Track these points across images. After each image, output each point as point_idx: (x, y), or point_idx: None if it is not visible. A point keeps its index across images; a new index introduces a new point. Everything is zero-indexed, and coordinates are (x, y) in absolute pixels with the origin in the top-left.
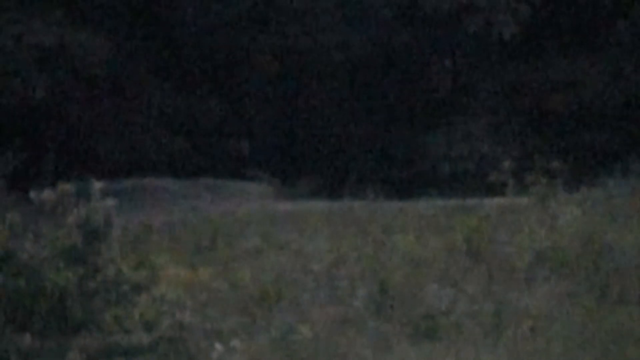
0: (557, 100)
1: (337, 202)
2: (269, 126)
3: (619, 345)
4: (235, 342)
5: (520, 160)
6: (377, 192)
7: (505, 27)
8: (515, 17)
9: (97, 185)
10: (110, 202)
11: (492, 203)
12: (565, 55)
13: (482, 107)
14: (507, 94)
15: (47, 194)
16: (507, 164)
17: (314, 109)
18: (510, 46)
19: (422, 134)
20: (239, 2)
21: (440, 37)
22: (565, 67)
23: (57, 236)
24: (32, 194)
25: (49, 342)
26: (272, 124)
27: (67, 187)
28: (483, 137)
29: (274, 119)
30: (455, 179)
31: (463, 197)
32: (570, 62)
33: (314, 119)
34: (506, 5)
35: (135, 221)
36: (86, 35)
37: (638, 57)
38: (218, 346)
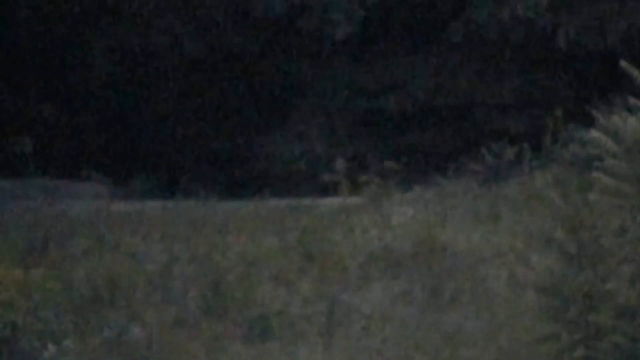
0: (390, 101)
1: (170, 202)
2: (102, 126)
3: (452, 345)
4: (67, 343)
5: (353, 160)
6: (211, 192)
7: (339, 27)
8: (349, 18)
9: None
10: None
11: (326, 203)
12: (399, 55)
13: (316, 108)
14: (340, 95)
15: None
16: (339, 163)
17: (148, 109)
18: (344, 47)
19: (256, 134)
20: (72, 3)
21: (273, 38)
22: (399, 68)
23: None
24: None
25: None
26: (106, 124)
27: None
28: (316, 137)
29: (107, 119)
30: (288, 179)
31: (297, 197)
32: (403, 62)
33: (148, 119)
34: (340, 6)
35: None
36: None
37: (470, 58)
38: (50, 347)
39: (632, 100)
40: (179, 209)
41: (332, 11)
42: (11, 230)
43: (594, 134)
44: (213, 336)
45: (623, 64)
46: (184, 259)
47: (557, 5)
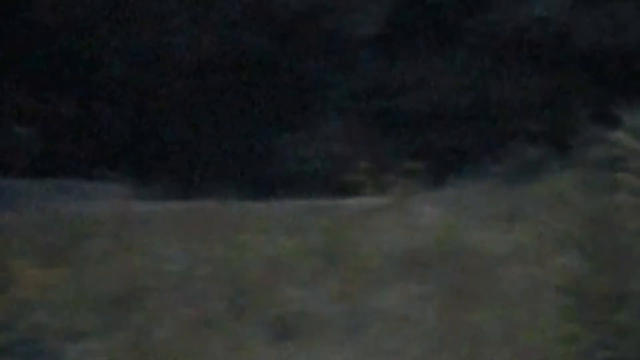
0: (409, 100)
1: (189, 203)
2: (120, 126)
3: (474, 346)
4: (90, 344)
5: (372, 161)
6: (229, 192)
7: (358, 27)
8: (369, 18)
9: None
10: None
11: (347, 203)
12: (418, 55)
13: (334, 107)
14: (360, 94)
15: None
16: (362, 164)
17: (165, 108)
18: (363, 47)
19: (274, 134)
20: (88, 3)
21: (292, 37)
22: (417, 67)
23: None
24: None
25: None
26: (124, 124)
27: None
28: (335, 137)
29: (125, 119)
30: (306, 180)
31: (315, 197)
32: (422, 62)
33: (165, 119)
34: (360, 6)
35: None
36: None
37: (489, 58)
38: (71, 347)
39: None
40: (197, 209)
41: (351, 11)
42: (30, 230)
43: (619, 134)
44: (235, 337)
45: None
46: (205, 260)
47: (576, 4)
